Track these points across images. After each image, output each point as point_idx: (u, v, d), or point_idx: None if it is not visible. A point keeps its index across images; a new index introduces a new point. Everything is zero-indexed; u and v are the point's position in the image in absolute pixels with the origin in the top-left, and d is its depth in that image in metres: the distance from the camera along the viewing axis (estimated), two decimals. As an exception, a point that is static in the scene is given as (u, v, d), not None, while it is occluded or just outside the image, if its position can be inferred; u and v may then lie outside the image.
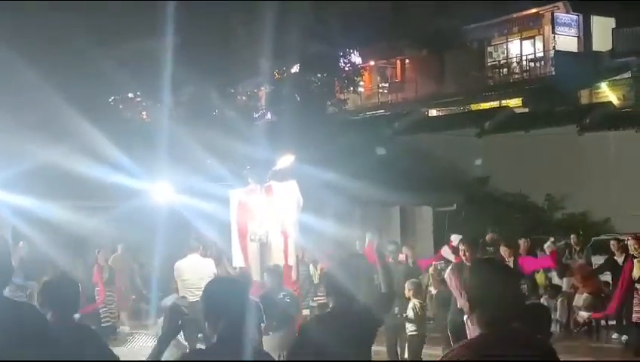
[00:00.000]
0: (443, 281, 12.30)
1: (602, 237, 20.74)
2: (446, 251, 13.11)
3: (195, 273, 13.09)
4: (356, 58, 38.76)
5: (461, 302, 10.94)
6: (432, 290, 12.92)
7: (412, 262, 13.69)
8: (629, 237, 14.55)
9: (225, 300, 4.59)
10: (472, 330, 10.71)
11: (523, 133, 28.20)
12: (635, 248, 13.92)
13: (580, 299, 16.83)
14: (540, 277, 17.99)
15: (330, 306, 6.01)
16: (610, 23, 40.06)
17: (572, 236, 18.77)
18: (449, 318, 11.77)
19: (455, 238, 14.63)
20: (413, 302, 12.00)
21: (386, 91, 47.68)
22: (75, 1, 22.96)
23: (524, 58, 41.88)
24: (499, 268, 4.07)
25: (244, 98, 34.30)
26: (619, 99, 36.73)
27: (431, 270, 12.48)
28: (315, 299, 13.60)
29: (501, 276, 3.96)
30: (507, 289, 3.90)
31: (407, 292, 12.11)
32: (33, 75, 19.27)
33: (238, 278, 10.31)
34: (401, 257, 13.33)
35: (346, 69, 36.73)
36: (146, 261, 18.97)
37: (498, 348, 3.77)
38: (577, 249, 18.28)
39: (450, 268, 11.25)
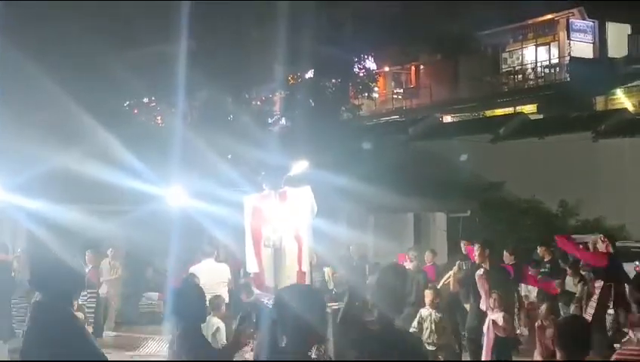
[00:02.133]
0: (460, 282, 12.24)
1: (617, 244, 20.62)
2: None
3: (210, 278, 13.12)
4: (371, 64, 38.70)
5: (486, 304, 10.92)
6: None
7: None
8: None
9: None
10: (489, 337, 10.68)
11: (537, 139, 28.09)
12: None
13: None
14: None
15: (376, 325, 5.95)
16: (626, 29, 39.94)
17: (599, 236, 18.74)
18: (467, 325, 11.73)
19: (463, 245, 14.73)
20: (430, 311, 11.70)
21: (400, 97, 47.65)
22: (90, 5, 23.01)
23: (539, 64, 41.78)
24: None
25: (258, 103, 34.30)
26: (634, 105, 36.54)
27: (455, 269, 12.40)
28: (329, 304, 13.51)
29: None
30: None
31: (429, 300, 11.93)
32: (48, 79, 19.31)
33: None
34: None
35: (361, 74, 36.69)
36: (159, 266, 18.96)
37: None
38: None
39: (479, 271, 11.21)
